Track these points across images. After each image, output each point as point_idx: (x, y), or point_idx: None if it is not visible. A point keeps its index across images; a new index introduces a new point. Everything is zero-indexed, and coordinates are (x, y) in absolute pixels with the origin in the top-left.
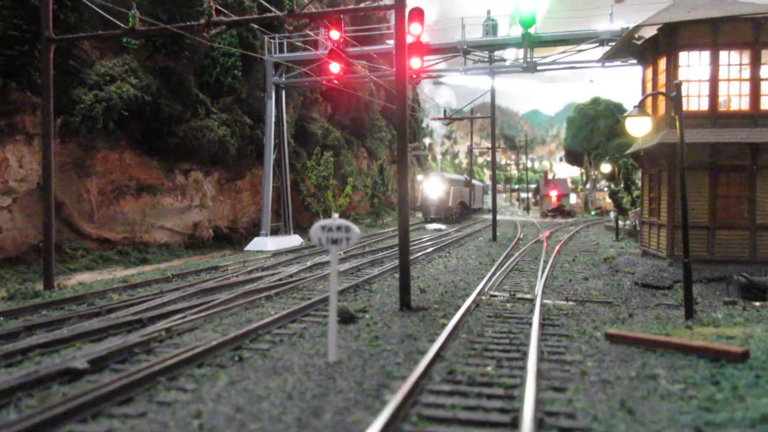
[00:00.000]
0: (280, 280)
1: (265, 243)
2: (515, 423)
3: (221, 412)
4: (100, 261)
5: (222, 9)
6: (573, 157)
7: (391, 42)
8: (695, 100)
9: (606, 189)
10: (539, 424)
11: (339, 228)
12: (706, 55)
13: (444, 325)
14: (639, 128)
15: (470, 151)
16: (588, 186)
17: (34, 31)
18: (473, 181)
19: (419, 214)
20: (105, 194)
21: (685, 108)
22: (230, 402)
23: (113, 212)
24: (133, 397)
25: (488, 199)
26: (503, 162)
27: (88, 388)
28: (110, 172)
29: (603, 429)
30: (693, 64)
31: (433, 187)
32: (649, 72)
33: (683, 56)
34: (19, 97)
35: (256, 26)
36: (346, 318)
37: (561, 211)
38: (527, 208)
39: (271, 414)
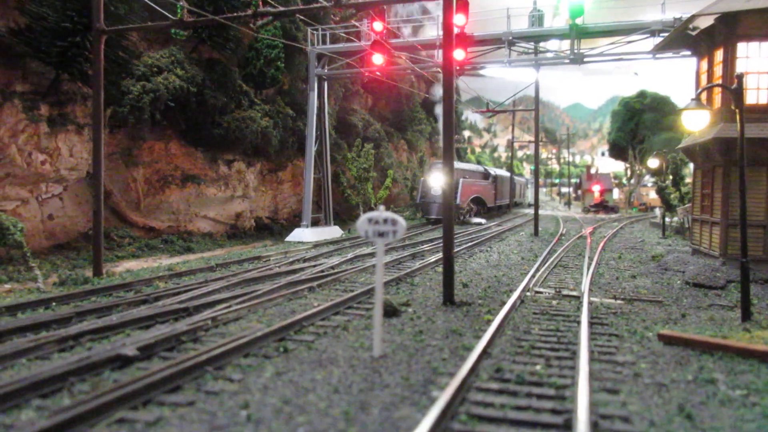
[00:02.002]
0: (322, 271)
1: (305, 234)
2: (569, 425)
3: (268, 404)
4: (146, 249)
5: (267, 0)
6: (617, 151)
7: (433, 35)
8: (754, 93)
9: (651, 184)
10: (594, 427)
11: (386, 221)
12: (766, 46)
13: (489, 321)
14: (696, 122)
15: (511, 145)
16: (632, 181)
17: (86, 22)
18: (498, 173)
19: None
20: (151, 183)
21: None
22: (277, 393)
23: (159, 201)
24: (181, 386)
25: (528, 193)
26: (543, 156)
27: (137, 376)
28: (156, 161)
29: None
30: (752, 56)
31: (436, 179)
32: (704, 64)
33: (742, 47)
34: (71, 87)
35: (299, 17)
36: (389, 311)
37: (604, 206)
38: (568, 203)
39: (318, 407)
